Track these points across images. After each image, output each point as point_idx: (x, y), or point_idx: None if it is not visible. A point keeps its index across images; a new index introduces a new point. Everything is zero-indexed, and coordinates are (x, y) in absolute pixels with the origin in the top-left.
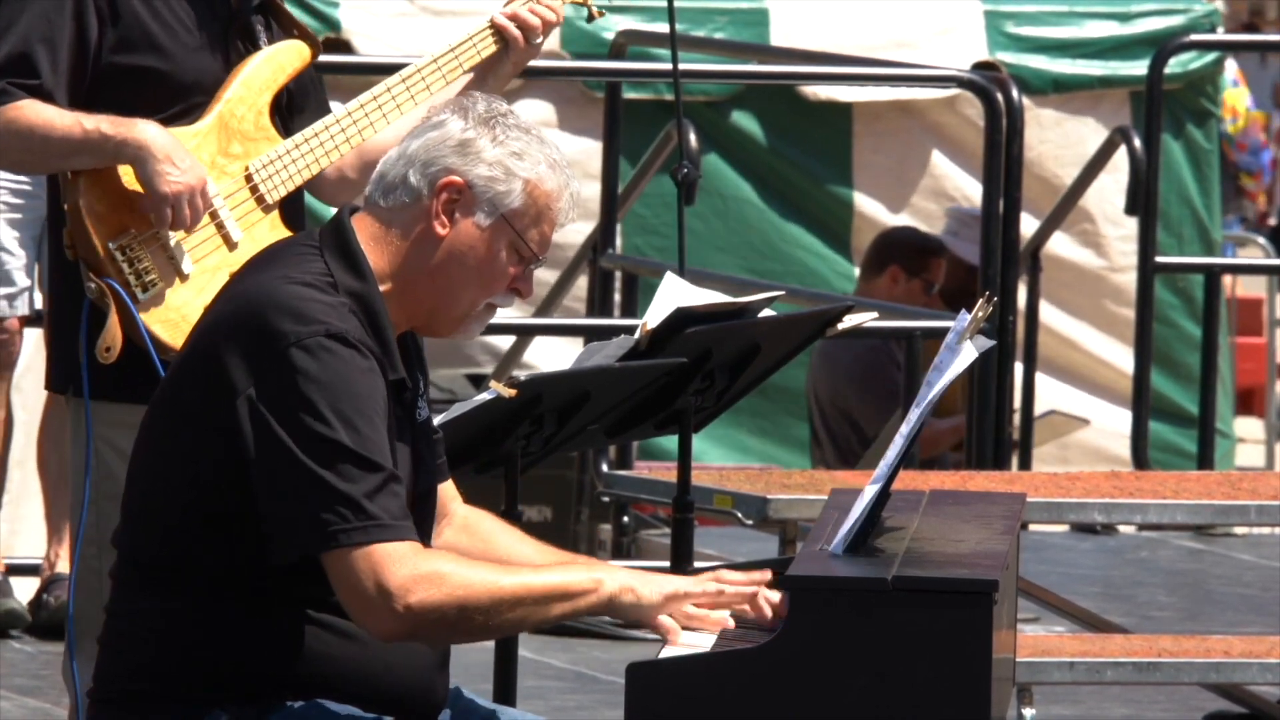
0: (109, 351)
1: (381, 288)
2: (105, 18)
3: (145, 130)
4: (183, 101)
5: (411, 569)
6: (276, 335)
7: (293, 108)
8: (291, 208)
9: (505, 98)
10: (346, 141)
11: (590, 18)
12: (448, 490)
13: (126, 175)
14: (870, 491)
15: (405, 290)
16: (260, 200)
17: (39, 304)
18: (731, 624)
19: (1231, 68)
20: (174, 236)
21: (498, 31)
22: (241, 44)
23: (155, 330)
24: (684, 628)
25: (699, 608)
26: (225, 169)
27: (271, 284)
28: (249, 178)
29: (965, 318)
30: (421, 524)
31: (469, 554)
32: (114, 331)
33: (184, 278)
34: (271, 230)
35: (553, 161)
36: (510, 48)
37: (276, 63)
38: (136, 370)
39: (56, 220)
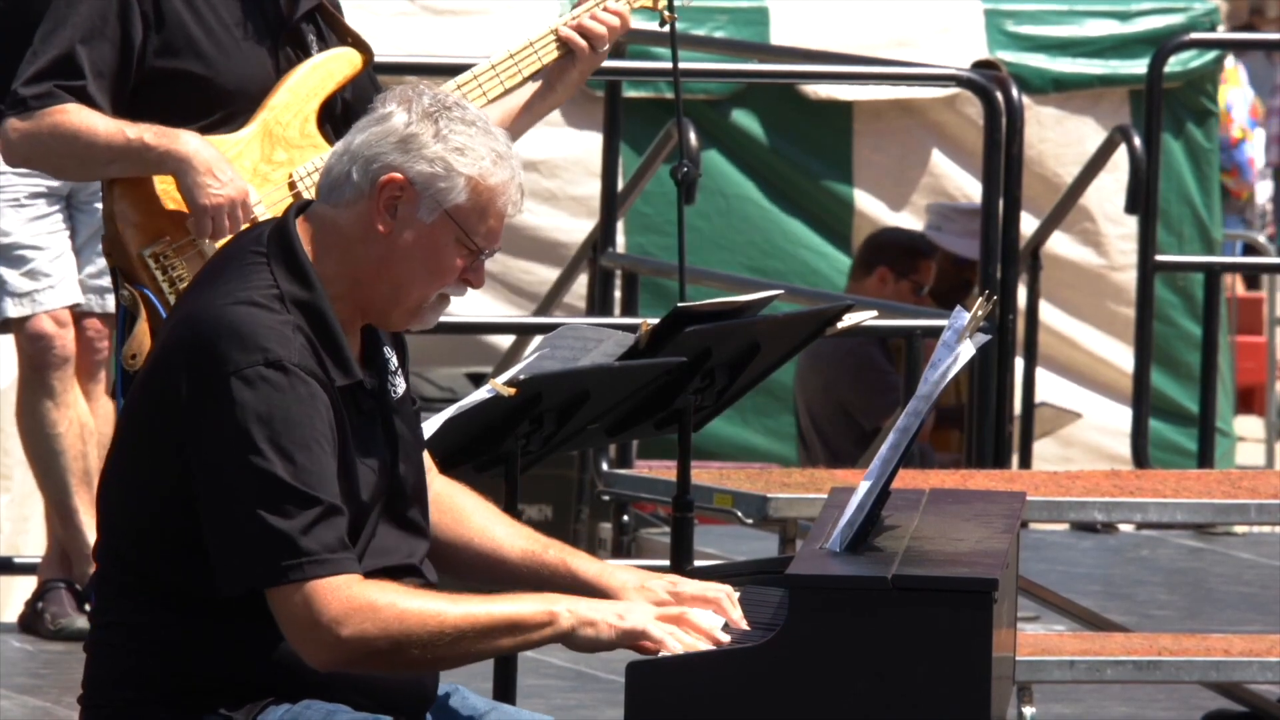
0: (134, 359)
1: (331, 289)
2: (150, 22)
3: (188, 142)
4: (225, 108)
5: (345, 602)
6: (218, 363)
7: (351, 115)
8: None
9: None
10: None
11: (663, 22)
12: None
13: (162, 184)
14: (864, 487)
15: (354, 289)
16: None
17: (79, 298)
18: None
19: (1227, 59)
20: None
21: (563, 41)
22: (292, 51)
23: None
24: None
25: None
26: (269, 176)
27: (217, 306)
28: (292, 185)
29: (964, 315)
30: (414, 500)
31: (440, 532)
32: (140, 339)
33: None
34: None
35: (497, 155)
36: (576, 56)
37: (325, 70)
38: None
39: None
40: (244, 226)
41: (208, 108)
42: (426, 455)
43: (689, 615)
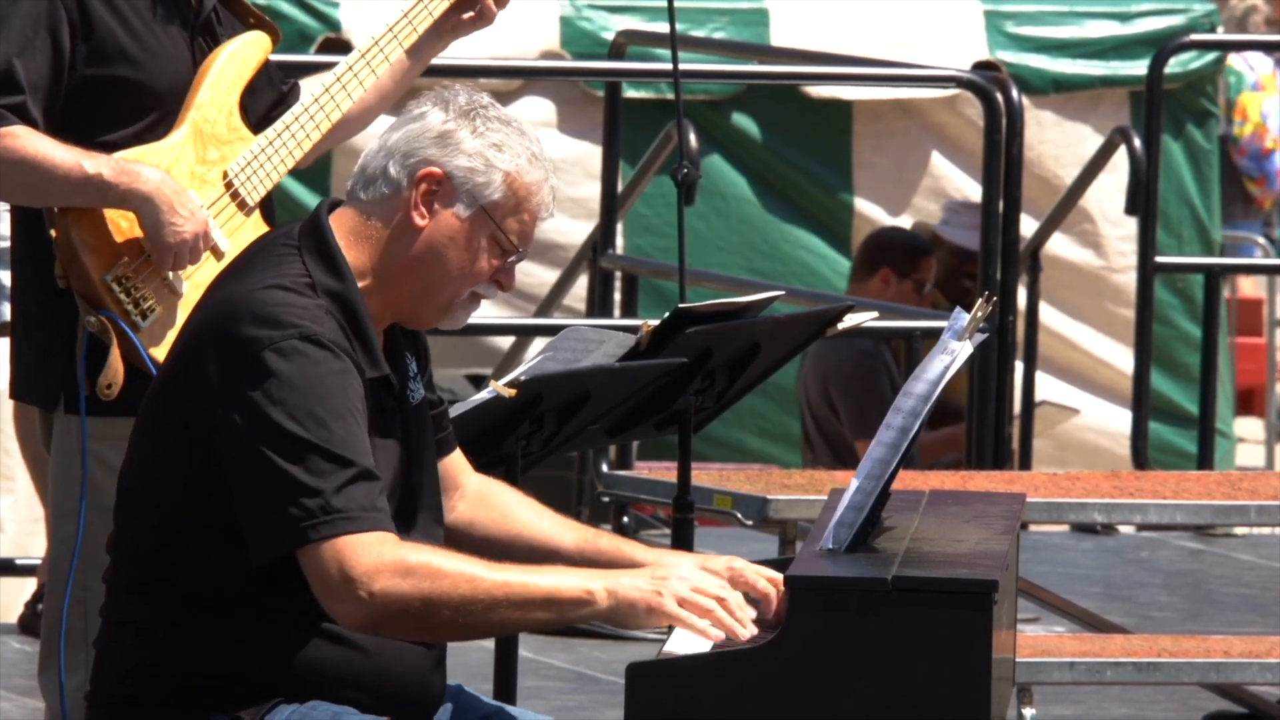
0: (110, 389)
1: (362, 283)
2: (78, 30)
3: (148, 179)
4: (157, 110)
5: (376, 558)
6: (250, 341)
7: (241, 97)
8: (266, 201)
9: (504, 97)
10: (316, 129)
11: None
12: (456, 462)
13: (111, 211)
14: (855, 485)
15: (386, 283)
16: (242, 205)
17: None
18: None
19: (1265, 66)
20: None
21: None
22: (204, 41)
23: (158, 356)
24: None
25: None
26: (205, 177)
27: (248, 292)
28: (229, 184)
29: (963, 317)
30: (426, 506)
31: (488, 529)
32: (116, 367)
33: (180, 298)
34: (254, 232)
35: (533, 155)
36: (482, 16)
37: (241, 58)
38: (125, 384)
39: (24, 236)
40: (204, 255)
41: (140, 112)
42: (459, 454)
43: (723, 604)
